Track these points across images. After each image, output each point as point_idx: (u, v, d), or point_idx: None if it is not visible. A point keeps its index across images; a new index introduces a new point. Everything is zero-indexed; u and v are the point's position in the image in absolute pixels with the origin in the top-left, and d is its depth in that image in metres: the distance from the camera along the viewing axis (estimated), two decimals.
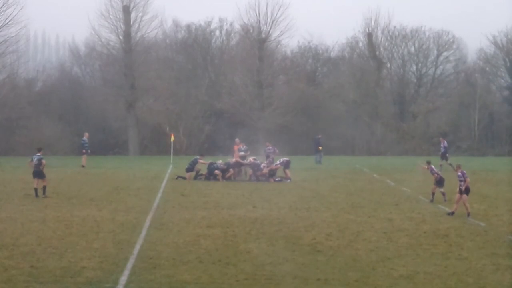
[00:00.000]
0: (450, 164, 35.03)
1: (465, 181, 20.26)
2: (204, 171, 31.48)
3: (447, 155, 36.26)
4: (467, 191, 20.30)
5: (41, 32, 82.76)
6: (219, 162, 31.78)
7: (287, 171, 31.07)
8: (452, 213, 20.49)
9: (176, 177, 31.05)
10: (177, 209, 21.59)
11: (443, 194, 23.80)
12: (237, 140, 34.28)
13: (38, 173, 24.39)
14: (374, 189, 27.44)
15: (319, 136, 42.98)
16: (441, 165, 35.31)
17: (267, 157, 32.81)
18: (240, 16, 59.04)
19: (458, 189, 20.48)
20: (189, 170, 31.34)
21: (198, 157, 32.38)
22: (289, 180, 30.44)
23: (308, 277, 13.15)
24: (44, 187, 24.22)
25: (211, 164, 31.36)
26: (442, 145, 36.78)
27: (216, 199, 23.89)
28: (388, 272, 13.51)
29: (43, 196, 23.91)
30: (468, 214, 20.17)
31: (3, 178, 30.68)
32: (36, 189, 24.13)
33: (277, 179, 30.53)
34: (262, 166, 31.08)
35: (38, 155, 24.68)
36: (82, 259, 14.32)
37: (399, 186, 28.37)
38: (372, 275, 13.31)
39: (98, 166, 37.24)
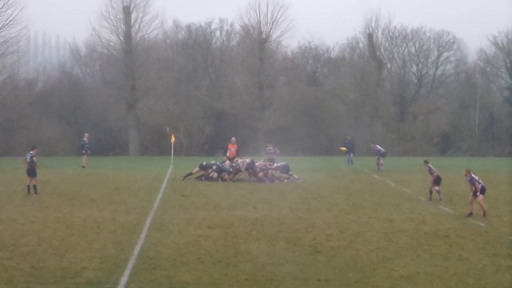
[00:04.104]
0: (378, 164, 35.76)
1: (473, 185, 20.39)
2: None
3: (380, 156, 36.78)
4: (482, 191, 20.37)
5: (41, 33, 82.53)
6: (226, 163, 31.81)
7: (284, 176, 30.96)
8: (471, 214, 20.46)
9: (182, 178, 30.93)
10: (178, 209, 21.59)
11: (438, 192, 23.92)
12: (233, 139, 34.46)
13: (31, 171, 24.76)
14: (374, 190, 27.43)
15: (349, 137, 42.48)
16: (381, 164, 35.86)
17: (270, 160, 32.85)
18: (241, 17, 59.09)
19: (471, 192, 20.59)
20: (201, 167, 31.34)
21: (218, 162, 32.12)
22: (285, 181, 30.41)
23: (308, 277, 13.15)
24: (34, 186, 24.63)
25: (219, 165, 31.31)
26: (375, 149, 36.94)
27: (217, 200, 23.88)
28: (389, 273, 13.51)
29: (35, 194, 24.34)
30: (484, 214, 20.16)
31: (3, 179, 30.69)
32: (28, 187, 24.67)
33: (285, 180, 30.42)
34: (257, 164, 31.07)
35: (31, 153, 25.00)
36: (83, 259, 14.32)
37: (399, 187, 28.37)
38: (373, 276, 13.31)
39: (99, 167, 37.24)
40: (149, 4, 55.19)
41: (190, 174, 31.09)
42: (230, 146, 33.87)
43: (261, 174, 30.67)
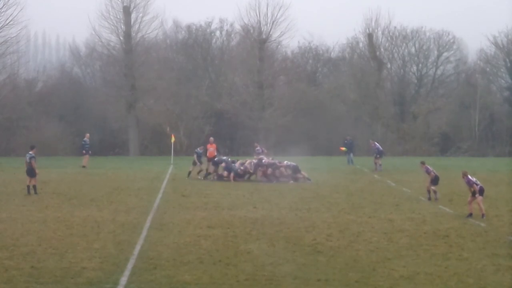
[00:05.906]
0: (376, 164, 35.75)
1: (471, 187, 20.36)
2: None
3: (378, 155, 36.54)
4: (481, 192, 20.34)
5: (41, 33, 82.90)
6: (237, 162, 31.87)
7: (299, 175, 30.76)
8: (470, 214, 20.43)
9: (201, 178, 31.23)
10: (178, 209, 21.60)
11: (435, 192, 23.97)
12: (211, 138, 34.67)
13: (30, 171, 24.91)
14: (374, 190, 27.44)
15: (349, 137, 42.36)
16: (380, 165, 35.77)
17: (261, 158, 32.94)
18: (241, 17, 59.21)
19: (470, 193, 20.59)
20: (213, 162, 31.68)
21: (229, 159, 32.23)
22: (291, 181, 30.26)
23: (308, 277, 13.15)
24: (34, 186, 24.80)
25: (229, 163, 31.40)
26: (374, 147, 36.78)
27: (217, 200, 23.89)
28: (389, 273, 13.51)
29: (34, 194, 24.49)
30: (483, 215, 20.09)
31: (3, 178, 30.71)
32: (28, 186, 24.84)
33: (291, 181, 30.34)
34: (263, 161, 31.13)
35: (30, 154, 25.10)
36: (83, 259, 14.32)
37: (399, 187, 28.38)
38: (373, 276, 13.31)
39: (99, 167, 37.26)
40: (149, 4, 55.31)
41: (208, 173, 31.41)
42: (208, 146, 33.92)
43: (270, 170, 30.69)
